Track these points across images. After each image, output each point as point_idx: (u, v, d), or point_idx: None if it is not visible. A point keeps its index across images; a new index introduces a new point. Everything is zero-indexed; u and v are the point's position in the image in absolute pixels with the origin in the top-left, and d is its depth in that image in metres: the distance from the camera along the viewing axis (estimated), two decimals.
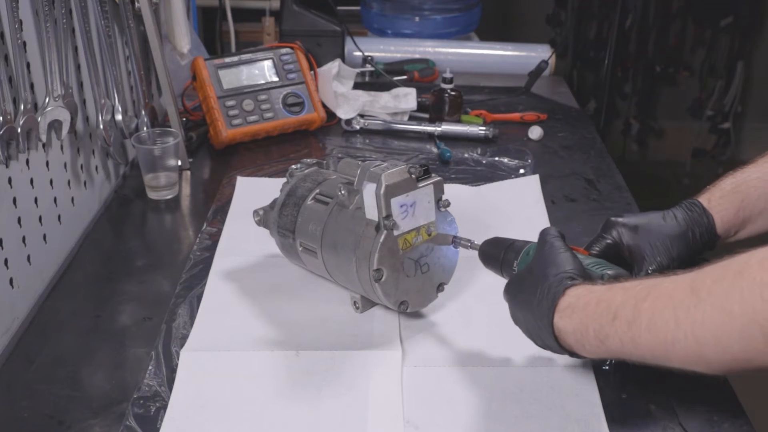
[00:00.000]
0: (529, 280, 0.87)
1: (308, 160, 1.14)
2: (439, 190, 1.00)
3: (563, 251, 0.87)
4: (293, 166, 1.13)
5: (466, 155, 1.57)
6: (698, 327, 0.70)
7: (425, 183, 0.99)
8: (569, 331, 0.82)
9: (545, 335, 0.84)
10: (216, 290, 1.12)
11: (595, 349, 0.80)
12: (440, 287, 1.04)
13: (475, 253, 1.00)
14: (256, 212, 1.14)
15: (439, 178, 1.00)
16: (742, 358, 0.69)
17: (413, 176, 0.98)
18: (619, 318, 0.77)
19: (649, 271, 0.97)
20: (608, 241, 1.00)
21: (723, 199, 1.00)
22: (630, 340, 0.76)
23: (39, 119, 1.10)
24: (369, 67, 1.91)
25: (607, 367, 0.94)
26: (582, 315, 0.80)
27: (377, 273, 0.96)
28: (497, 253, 0.98)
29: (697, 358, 0.72)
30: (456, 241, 1.02)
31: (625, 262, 1.00)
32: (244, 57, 1.61)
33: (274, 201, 1.13)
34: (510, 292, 0.91)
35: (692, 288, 0.72)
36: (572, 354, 0.84)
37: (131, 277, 1.17)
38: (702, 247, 0.99)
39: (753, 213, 0.99)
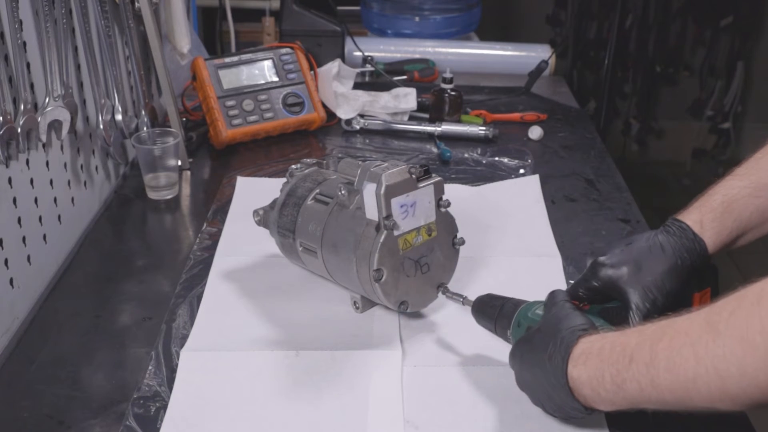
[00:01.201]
0: (539, 339, 0.85)
1: (308, 160, 1.14)
2: (439, 190, 1.00)
3: (573, 310, 0.86)
4: (293, 166, 1.13)
5: (466, 155, 1.57)
6: (720, 361, 0.68)
7: (425, 183, 0.99)
8: (584, 380, 0.79)
9: (558, 391, 0.81)
10: (216, 290, 1.12)
11: (612, 396, 0.77)
12: (440, 287, 1.04)
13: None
14: (256, 212, 1.14)
15: (439, 178, 1.00)
16: None
17: (413, 176, 0.98)
18: (636, 360, 0.74)
19: (645, 311, 0.93)
20: (596, 284, 0.96)
21: (715, 222, 0.96)
22: (649, 382, 0.74)
23: (39, 119, 1.10)
24: (369, 67, 1.91)
25: None
26: (597, 361, 0.78)
27: (377, 273, 0.96)
28: (490, 314, 0.96)
29: (721, 394, 0.70)
30: (447, 294, 1.02)
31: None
32: (244, 57, 1.62)
33: (274, 201, 1.13)
34: (517, 355, 0.88)
35: (708, 323, 0.70)
36: (586, 409, 0.81)
37: (131, 277, 1.17)
38: (694, 271, 0.96)
39: (745, 230, 0.97)
